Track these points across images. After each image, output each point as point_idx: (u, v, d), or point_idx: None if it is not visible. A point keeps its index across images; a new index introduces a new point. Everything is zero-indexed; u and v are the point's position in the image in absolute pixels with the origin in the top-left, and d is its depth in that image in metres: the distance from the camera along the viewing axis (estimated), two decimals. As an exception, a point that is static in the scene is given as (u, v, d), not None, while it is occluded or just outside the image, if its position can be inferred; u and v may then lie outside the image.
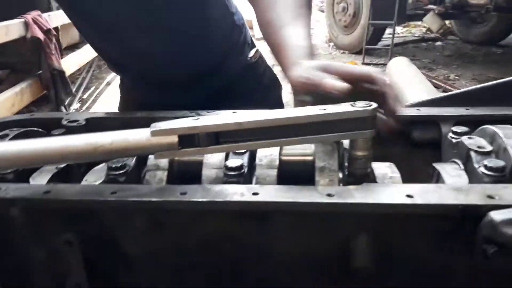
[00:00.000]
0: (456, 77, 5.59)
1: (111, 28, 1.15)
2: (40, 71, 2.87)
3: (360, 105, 0.67)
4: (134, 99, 1.41)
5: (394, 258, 0.64)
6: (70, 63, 3.66)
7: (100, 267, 0.69)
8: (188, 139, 0.66)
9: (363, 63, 6.34)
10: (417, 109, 0.99)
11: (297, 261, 0.66)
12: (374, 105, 0.66)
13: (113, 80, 5.66)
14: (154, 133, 0.65)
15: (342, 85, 0.73)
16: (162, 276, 0.69)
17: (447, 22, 7.62)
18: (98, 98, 4.96)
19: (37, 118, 1.04)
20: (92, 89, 5.19)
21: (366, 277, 0.64)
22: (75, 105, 4.36)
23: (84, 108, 4.53)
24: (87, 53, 4.39)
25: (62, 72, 2.90)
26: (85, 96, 4.84)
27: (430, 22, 6.96)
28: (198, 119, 0.68)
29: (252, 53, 1.39)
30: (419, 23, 9.00)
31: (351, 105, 0.67)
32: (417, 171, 0.96)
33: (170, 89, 1.25)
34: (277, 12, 0.98)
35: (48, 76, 2.83)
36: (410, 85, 4.40)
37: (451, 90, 4.74)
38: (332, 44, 7.73)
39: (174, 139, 0.65)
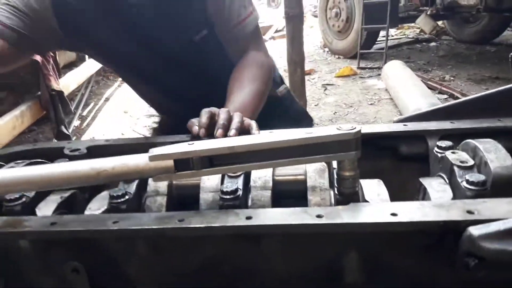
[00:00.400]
0: (452, 78, 5.62)
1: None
2: (39, 93, 2.92)
3: (344, 128, 0.71)
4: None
5: (382, 273, 0.68)
6: (68, 82, 3.71)
7: (106, 292, 0.73)
8: (183, 163, 0.71)
9: (358, 68, 6.38)
10: (404, 125, 1.03)
11: (289, 280, 0.70)
12: (358, 127, 0.71)
13: (111, 95, 5.72)
14: (152, 158, 0.70)
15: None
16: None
17: (439, 22, 7.69)
18: (97, 114, 5.01)
19: (39, 148, 1.08)
20: (91, 105, 5.24)
21: (357, 292, 0.68)
22: (75, 122, 4.40)
23: (84, 124, 4.58)
24: (85, 70, 4.44)
25: (61, 93, 2.95)
26: (84, 113, 4.89)
27: (422, 24, 7.02)
28: (192, 143, 0.72)
29: (280, 89, 1.66)
30: (412, 24, 9.07)
31: (337, 128, 0.72)
32: (405, 184, 0.99)
33: None
34: (237, 82, 1.27)
35: (47, 97, 2.88)
36: (405, 88, 4.44)
37: (447, 92, 4.78)
38: (327, 49, 7.79)
39: (170, 163, 0.70)
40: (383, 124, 1.11)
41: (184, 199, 0.86)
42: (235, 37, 1.37)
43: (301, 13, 3.40)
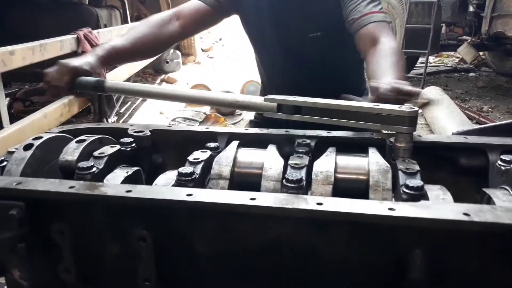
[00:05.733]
0: (490, 109, 5.51)
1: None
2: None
3: (405, 107, 0.91)
4: None
5: (448, 273, 0.67)
6: (112, 78, 3.83)
7: (169, 264, 0.75)
8: (282, 107, 1.01)
9: (395, 91, 6.34)
10: (464, 137, 1.03)
11: (351, 271, 0.70)
12: (416, 108, 0.90)
13: (149, 96, 5.84)
14: (265, 100, 1.04)
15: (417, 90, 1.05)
16: (225, 277, 0.75)
17: (480, 53, 7.57)
18: (134, 112, 5.13)
19: (104, 127, 1.13)
20: (128, 103, 5.38)
21: (419, 290, 0.68)
22: (113, 118, 4.52)
23: (121, 121, 4.70)
24: (127, 68, 4.58)
25: (107, 86, 3.05)
26: (122, 110, 5.03)
27: (464, 53, 6.91)
28: (294, 97, 1.00)
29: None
30: (451, 53, 8.95)
31: (399, 106, 0.91)
32: (462, 196, 0.98)
33: None
34: (382, 68, 1.26)
35: (94, 89, 2.99)
36: (443, 115, 4.38)
37: (485, 122, 4.69)
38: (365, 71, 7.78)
39: (274, 105, 1.02)
40: (443, 135, 1.11)
41: (244, 186, 0.88)
42: (366, 23, 1.41)
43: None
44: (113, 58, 1.41)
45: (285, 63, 1.66)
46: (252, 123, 1.80)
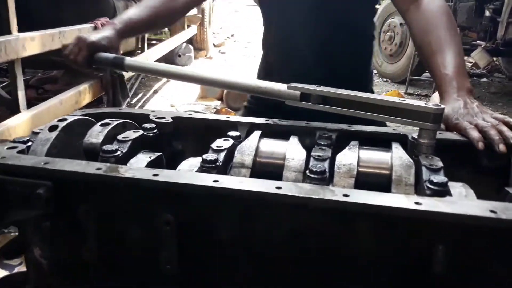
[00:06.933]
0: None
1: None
2: (101, 74, 3.04)
3: (431, 105, 0.91)
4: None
5: (471, 270, 0.67)
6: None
7: (191, 249, 0.76)
8: (306, 97, 1.01)
9: (406, 93, 6.31)
10: (486, 137, 1.02)
11: (375, 263, 0.71)
12: (443, 106, 0.90)
13: (160, 88, 5.88)
14: (289, 87, 1.03)
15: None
16: (247, 266, 0.75)
17: (494, 58, 7.51)
18: (145, 104, 5.16)
19: (126, 112, 1.14)
20: (140, 95, 5.42)
21: (442, 285, 0.68)
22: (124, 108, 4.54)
23: (132, 112, 4.72)
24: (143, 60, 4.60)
25: (121, 76, 3.07)
26: (133, 102, 5.05)
27: (477, 58, 6.87)
28: (319, 87, 1.00)
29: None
30: (465, 57, 8.88)
31: (425, 103, 0.91)
32: (481, 196, 0.98)
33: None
34: (435, 36, 1.13)
35: (109, 79, 3.01)
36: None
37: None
38: (375, 71, 7.75)
39: (298, 94, 1.01)
40: (464, 134, 1.10)
41: (265, 176, 0.89)
42: None
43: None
44: (131, 30, 1.38)
45: (312, 17, 1.38)
46: (246, 109, 1.63)
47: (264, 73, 1.58)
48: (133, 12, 1.39)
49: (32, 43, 2.31)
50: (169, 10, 1.47)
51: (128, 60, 1.22)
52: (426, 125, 0.90)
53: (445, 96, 1.10)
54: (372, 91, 1.57)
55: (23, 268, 1.49)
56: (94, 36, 1.25)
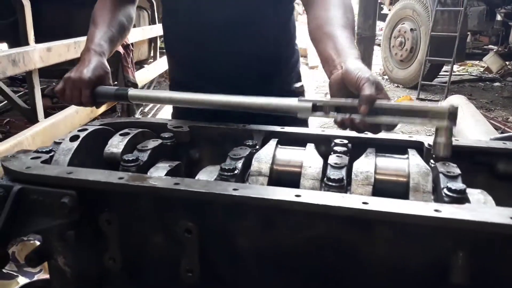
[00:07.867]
0: (516, 120, 5.42)
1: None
2: (116, 82, 3.09)
3: (442, 104, 0.89)
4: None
5: (491, 277, 0.67)
6: (139, 78, 3.90)
7: (212, 257, 0.77)
8: (317, 108, 0.95)
9: (418, 98, 6.28)
10: (503, 143, 1.02)
11: (395, 271, 0.71)
12: (455, 105, 0.86)
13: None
14: (299, 100, 0.97)
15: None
16: (267, 274, 0.76)
17: (507, 63, 7.44)
18: (157, 113, 5.21)
19: (144, 121, 1.16)
20: (152, 104, 5.47)
21: (462, 292, 0.68)
22: (137, 116, 4.59)
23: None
24: (154, 69, 4.65)
25: (135, 85, 3.11)
26: (146, 110, 5.10)
27: (490, 62, 6.83)
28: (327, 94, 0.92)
29: (297, 85, 1.50)
30: (476, 62, 8.83)
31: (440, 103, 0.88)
32: (499, 203, 0.98)
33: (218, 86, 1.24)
34: (329, 17, 1.10)
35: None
36: (467, 123, 4.32)
37: (510, 132, 4.60)
38: (386, 77, 7.73)
39: (309, 105, 0.94)
40: (481, 140, 1.10)
41: (283, 184, 0.90)
42: None
43: (373, 36, 3.42)
44: (109, 48, 1.32)
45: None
46: (174, 110, 1.50)
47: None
48: (98, 31, 1.32)
49: (49, 53, 2.36)
50: (127, 17, 1.41)
51: (132, 91, 1.18)
52: (442, 124, 0.87)
53: (346, 60, 0.99)
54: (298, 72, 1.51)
55: (43, 276, 1.52)
56: (87, 71, 1.18)
